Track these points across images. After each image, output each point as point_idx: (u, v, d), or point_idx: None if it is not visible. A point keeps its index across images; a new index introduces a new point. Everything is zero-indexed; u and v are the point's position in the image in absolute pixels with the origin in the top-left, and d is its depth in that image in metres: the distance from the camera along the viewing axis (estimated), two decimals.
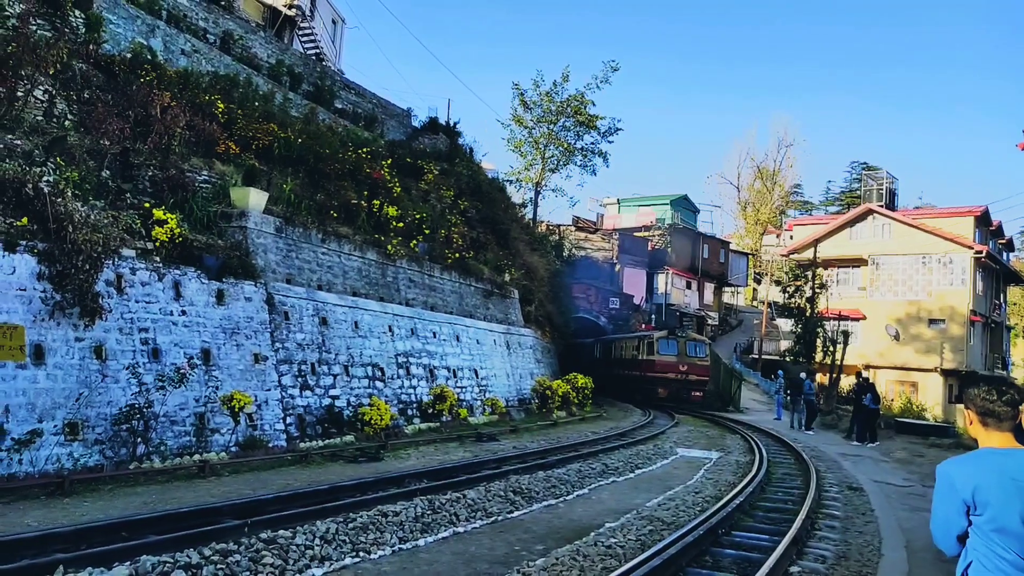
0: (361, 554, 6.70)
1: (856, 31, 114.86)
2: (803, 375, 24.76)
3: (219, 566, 5.70)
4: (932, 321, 37.95)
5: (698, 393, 30.10)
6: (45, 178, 11.00)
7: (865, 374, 29.22)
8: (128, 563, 5.42)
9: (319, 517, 7.44)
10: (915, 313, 38.08)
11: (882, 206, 41.59)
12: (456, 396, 18.56)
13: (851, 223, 41.34)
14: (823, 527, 9.01)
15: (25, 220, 10.56)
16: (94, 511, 7.89)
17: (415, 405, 17.57)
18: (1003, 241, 45.98)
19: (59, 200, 10.98)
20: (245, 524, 6.91)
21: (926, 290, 38.10)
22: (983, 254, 37.30)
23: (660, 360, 30.01)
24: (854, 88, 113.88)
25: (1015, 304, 58.21)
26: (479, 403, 20.40)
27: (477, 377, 20.94)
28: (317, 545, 6.53)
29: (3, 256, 9.86)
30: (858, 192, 54.28)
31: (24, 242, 10.22)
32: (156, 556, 5.60)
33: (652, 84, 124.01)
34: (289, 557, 6.18)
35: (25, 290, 9.99)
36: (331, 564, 6.34)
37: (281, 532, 6.61)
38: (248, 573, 5.77)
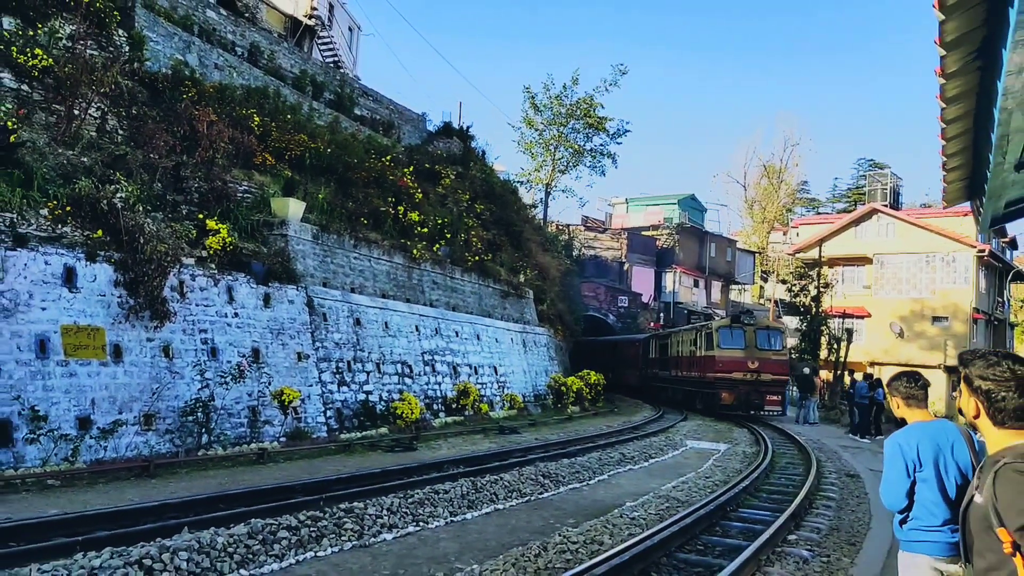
0: (421, 524, 7.85)
1: (862, 25, 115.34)
2: (813, 373, 25.42)
3: (312, 529, 6.86)
4: (936, 319, 38.79)
5: (774, 397, 23.77)
6: (119, 195, 12.16)
7: (870, 371, 30.23)
8: (243, 524, 6.57)
9: (380, 494, 8.59)
10: (919, 311, 38.94)
11: (886, 206, 42.47)
12: (478, 392, 19.70)
13: (856, 222, 42.20)
14: (820, 506, 10.08)
15: (100, 232, 11.74)
16: (180, 489, 9.05)
17: (440, 400, 18.72)
18: (1006, 240, 46.74)
19: (128, 214, 12.17)
20: (320, 499, 8.07)
21: (930, 288, 38.95)
22: (986, 252, 38.12)
23: (721, 356, 23.63)
24: (860, 83, 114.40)
25: (1019, 301, 58.79)
26: (499, 398, 21.53)
27: (496, 374, 22.08)
28: (385, 515, 7.69)
29: (85, 266, 11.04)
30: (864, 189, 55.13)
31: (102, 253, 11.40)
32: (263, 520, 6.76)
33: (660, 82, 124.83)
34: (364, 524, 7.33)
35: (104, 295, 11.17)
36: (398, 531, 7.49)
37: (356, 504, 7.75)
38: (334, 535, 6.94)
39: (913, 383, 3.74)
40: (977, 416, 2.59)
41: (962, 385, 2.66)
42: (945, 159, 4.55)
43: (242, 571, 5.88)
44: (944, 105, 3.59)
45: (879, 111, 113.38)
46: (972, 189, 5.36)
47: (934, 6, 2.86)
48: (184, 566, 5.59)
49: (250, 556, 6.12)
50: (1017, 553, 2.10)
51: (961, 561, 3.37)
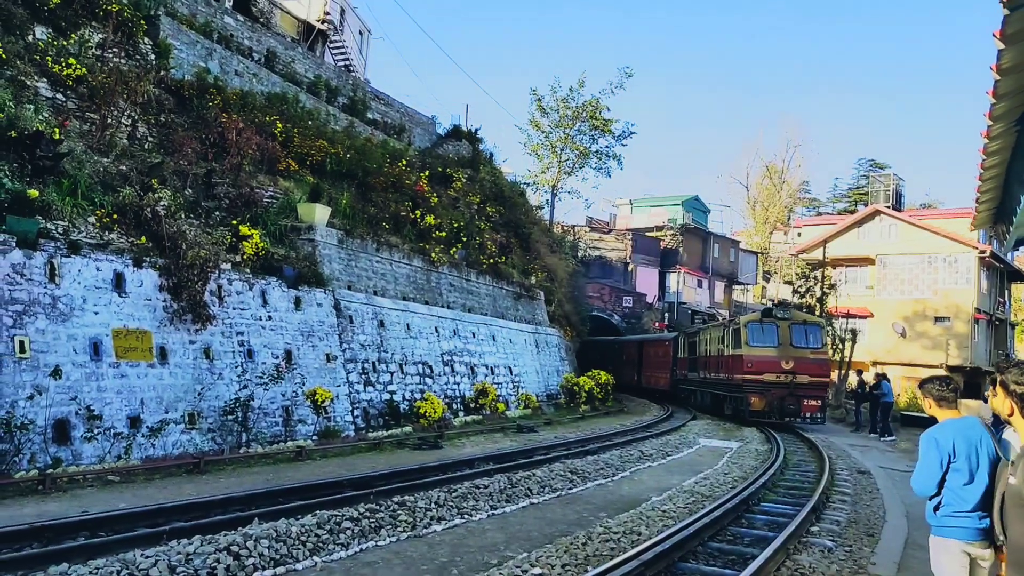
0: (465, 516, 8.37)
1: (862, 26, 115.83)
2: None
3: (370, 520, 7.38)
4: (938, 319, 39.32)
5: (813, 402, 21.04)
6: (162, 203, 12.66)
7: (879, 371, 30.74)
8: (311, 515, 7.09)
9: (424, 489, 9.10)
10: (921, 311, 39.47)
11: (889, 207, 43.03)
12: (496, 391, 20.21)
13: (859, 223, 42.74)
14: (836, 501, 10.59)
15: (144, 239, 12.24)
16: (232, 484, 9.55)
17: (459, 400, 19.23)
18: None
19: (170, 221, 12.67)
20: (370, 492, 8.59)
21: (932, 289, 39.49)
22: (987, 253, 38.63)
23: (750, 356, 21.05)
24: (860, 83, 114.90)
25: (1019, 301, 59.35)
26: (514, 398, 22.06)
27: (511, 374, 22.60)
28: (433, 508, 8.20)
29: (133, 271, 11.55)
30: (865, 189, 55.71)
31: (147, 259, 11.90)
32: (328, 511, 7.29)
33: (664, 84, 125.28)
34: (416, 516, 7.84)
35: (151, 300, 11.68)
36: (446, 523, 8.01)
37: (407, 498, 8.28)
38: (390, 526, 7.45)
39: (945, 386, 4.25)
40: (1011, 414, 3.12)
41: (998, 388, 3.19)
42: (979, 195, 5.16)
43: (315, 557, 6.38)
44: (985, 157, 4.16)
45: (878, 110, 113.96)
46: (998, 216, 6.02)
47: (988, 92, 3.45)
48: (266, 552, 6.10)
49: (320, 545, 6.63)
50: None
51: (991, 545, 3.86)
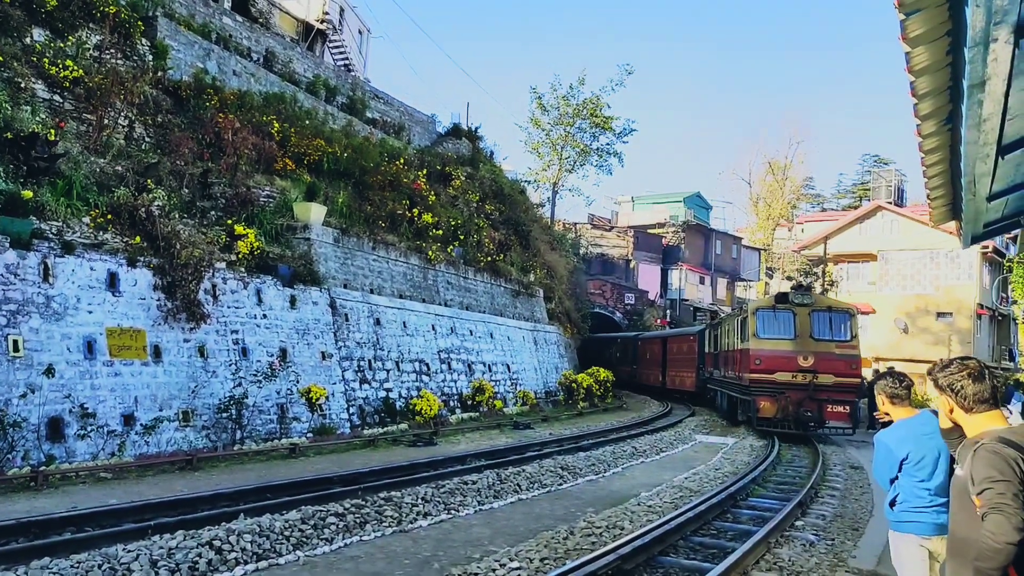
0: (452, 512, 8.45)
1: (864, 23, 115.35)
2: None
3: (356, 515, 7.47)
4: (940, 314, 39.24)
5: (839, 408, 16.95)
6: (157, 203, 12.77)
7: (875, 366, 30.69)
8: (295, 511, 7.18)
9: (413, 485, 9.18)
10: (923, 307, 39.38)
11: (891, 203, 42.94)
12: (492, 389, 20.29)
13: (861, 220, 42.64)
14: (825, 496, 10.64)
15: (138, 239, 12.35)
16: (224, 481, 9.65)
17: (456, 397, 19.32)
18: (1010, 236, 47.03)
19: (164, 221, 12.78)
20: (358, 489, 8.67)
21: (934, 284, 39.40)
22: (989, 249, 38.51)
23: (759, 351, 17.22)
24: (863, 81, 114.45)
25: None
26: (512, 395, 22.13)
27: (509, 371, 22.67)
28: (420, 504, 8.28)
29: (127, 271, 11.66)
30: (869, 185, 55.63)
31: (141, 258, 12.01)
32: (313, 506, 7.38)
33: (666, 81, 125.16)
34: (402, 512, 7.92)
35: (145, 299, 11.79)
36: (432, 518, 8.09)
37: (393, 493, 8.36)
38: (375, 521, 7.54)
39: (898, 383, 4.29)
40: (952, 411, 3.15)
41: (937, 392, 3.23)
42: (929, 191, 5.21)
43: (298, 552, 6.47)
44: (924, 155, 4.23)
45: (883, 107, 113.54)
46: (955, 212, 6.07)
47: (909, 93, 3.51)
48: (249, 547, 6.19)
49: (304, 539, 6.72)
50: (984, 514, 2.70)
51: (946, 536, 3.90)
